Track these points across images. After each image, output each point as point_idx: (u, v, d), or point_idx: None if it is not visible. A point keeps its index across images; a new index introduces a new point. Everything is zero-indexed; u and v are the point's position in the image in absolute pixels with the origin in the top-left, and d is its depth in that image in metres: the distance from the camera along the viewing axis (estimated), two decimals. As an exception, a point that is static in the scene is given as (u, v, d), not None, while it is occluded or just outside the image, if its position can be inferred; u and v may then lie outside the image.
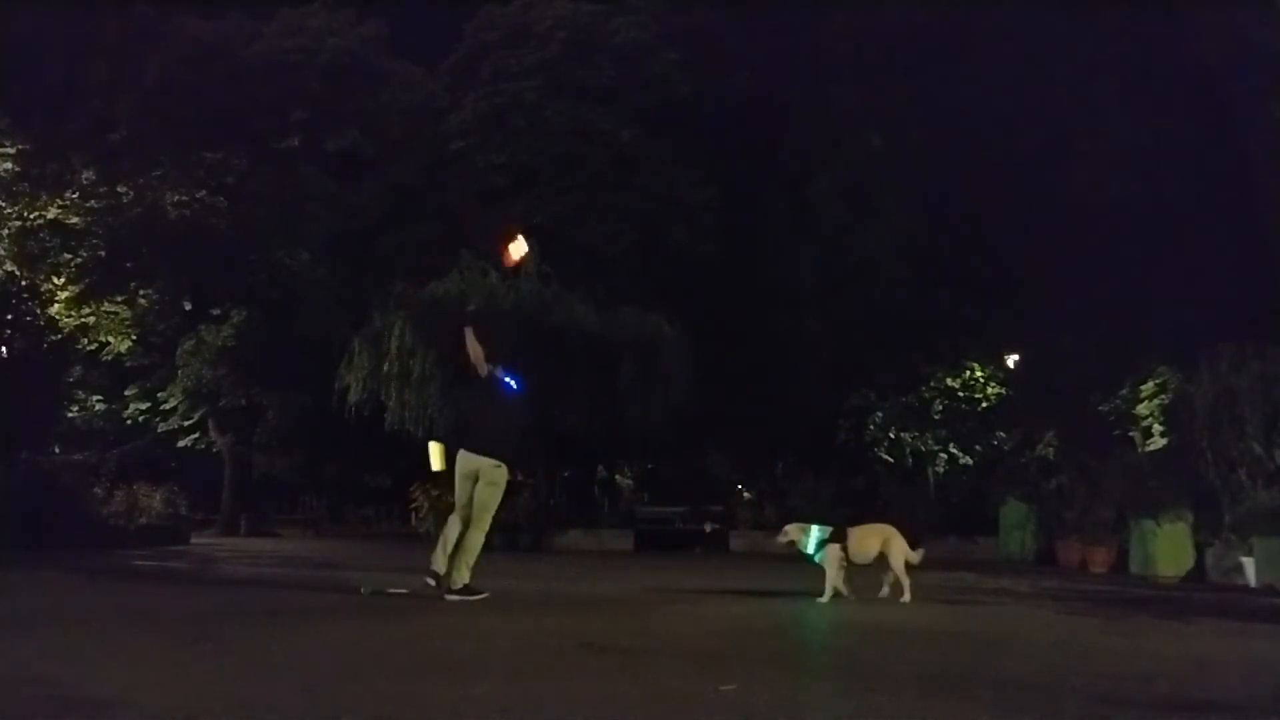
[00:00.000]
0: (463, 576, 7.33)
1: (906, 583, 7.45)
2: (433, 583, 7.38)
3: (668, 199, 21.95)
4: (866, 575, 7.74)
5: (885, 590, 7.65)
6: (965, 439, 19.37)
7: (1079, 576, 11.75)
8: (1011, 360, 19.74)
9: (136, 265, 19.36)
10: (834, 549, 7.45)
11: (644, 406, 17.37)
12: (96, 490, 16.05)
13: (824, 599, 7.33)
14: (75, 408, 23.84)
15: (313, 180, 21.89)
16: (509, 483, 7.66)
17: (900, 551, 7.52)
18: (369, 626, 6.01)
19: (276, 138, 22.01)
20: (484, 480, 7.47)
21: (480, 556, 7.49)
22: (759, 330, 20.89)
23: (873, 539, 7.59)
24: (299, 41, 23.49)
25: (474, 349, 7.68)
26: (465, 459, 7.57)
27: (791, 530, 7.76)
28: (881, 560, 7.59)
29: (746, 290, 21.33)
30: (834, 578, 7.44)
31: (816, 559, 7.55)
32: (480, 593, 7.26)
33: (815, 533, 7.55)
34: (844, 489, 18.59)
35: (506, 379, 7.82)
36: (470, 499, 7.48)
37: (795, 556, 7.82)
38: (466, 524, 7.45)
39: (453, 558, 7.39)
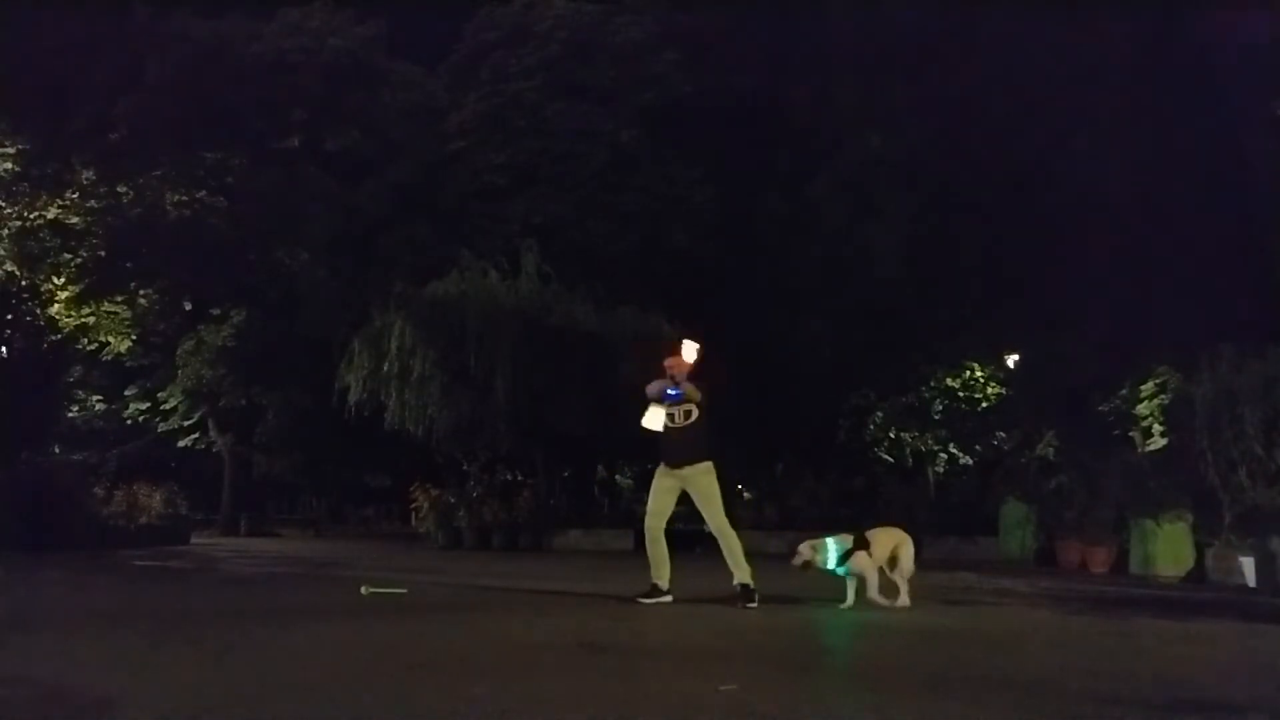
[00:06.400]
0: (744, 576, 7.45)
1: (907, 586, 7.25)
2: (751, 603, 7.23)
3: (668, 199, 21.97)
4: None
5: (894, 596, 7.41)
6: (965, 439, 19.34)
7: (1079, 576, 11.73)
8: (1011, 360, 19.72)
9: (136, 265, 19.37)
10: (863, 556, 7.07)
11: (644, 406, 17.33)
12: (96, 490, 16.09)
13: (871, 598, 7.06)
14: (75, 408, 23.90)
15: (313, 180, 21.90)
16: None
17: (911, 555, 7.28)
18: (369, 626, 6.01)
19: (276, 138, 22.01)
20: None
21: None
22: (759, 330, 20.88)
23: (886, 540, 7.28)
24: (299, 41, 23.49)
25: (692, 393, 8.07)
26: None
27: (804, 550, 7.28)
28: (892, 562, 7.28)
29: (746, 290, 21.31)
30: (874, 584, 7.08)
31: (840, 572, 7.15)
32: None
33: (832, 545, 7.13)
34: (844, 489, 18.58)
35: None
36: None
37: (791, 557, 7.69)
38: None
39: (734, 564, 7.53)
